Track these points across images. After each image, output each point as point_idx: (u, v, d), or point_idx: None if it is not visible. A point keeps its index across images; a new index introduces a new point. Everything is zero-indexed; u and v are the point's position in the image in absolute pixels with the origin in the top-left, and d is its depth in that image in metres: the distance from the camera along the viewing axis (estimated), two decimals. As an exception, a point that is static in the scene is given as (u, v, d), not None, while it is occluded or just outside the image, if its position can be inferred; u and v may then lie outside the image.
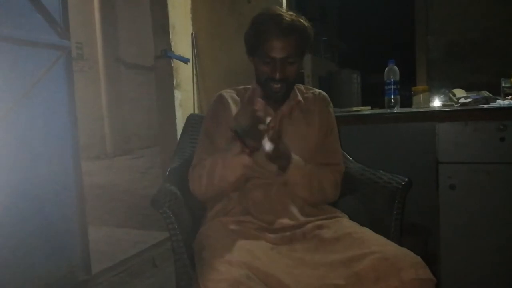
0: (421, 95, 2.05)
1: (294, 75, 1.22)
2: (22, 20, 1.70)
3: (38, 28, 1.76)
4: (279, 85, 1.21)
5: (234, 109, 1.31)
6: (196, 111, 2.88)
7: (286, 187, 1.21)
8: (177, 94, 2.74)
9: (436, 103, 2.06)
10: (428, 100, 2.05)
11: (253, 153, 1.10)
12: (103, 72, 7.03)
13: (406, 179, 1.29)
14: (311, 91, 1.38)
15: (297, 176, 1.19)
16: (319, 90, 1.39)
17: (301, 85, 1.40)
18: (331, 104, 1.37)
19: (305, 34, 1.20)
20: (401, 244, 1.05)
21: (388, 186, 1.30)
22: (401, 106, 2.00)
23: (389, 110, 1.95)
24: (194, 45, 2.89)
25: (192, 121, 1.60)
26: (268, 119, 1.05)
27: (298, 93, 1.33)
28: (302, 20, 1.20)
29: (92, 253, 2.02)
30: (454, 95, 1.91)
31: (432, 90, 2.18)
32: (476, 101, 1.77)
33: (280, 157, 1.14)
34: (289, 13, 1.20)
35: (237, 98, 1.34)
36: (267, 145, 1.06)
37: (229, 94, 1.35)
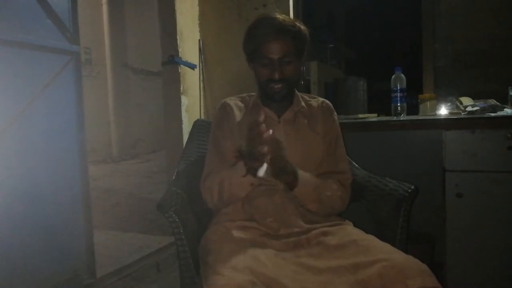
0: (428, 102, 2.04)
1: (293, 75, 1.23)
2: (33, 26, 1.73)
3: (49, 33, 1.79)
4: (279, 85, 1.22)
5: (238, 115, 1.31)
6: (203, 117, 2.89)
7: (290, 193, 1.21)
8: (184, 100, 2.75)
9: (443, 111, 2.05)
10: (435, 108, 2.05)
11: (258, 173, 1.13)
12: (111, 77, 7.09)
13: (412, 187, 1.28)
14: (315, 99, 1.39)
15: (306, 190, 1.19)
16: (323, 99, 1.39)
17: (304, 93, 1.40)
18: (335, 113, 1.38)
19: (299, 34, 1.22)
20: (406, 252, 1.04)
21: (394, 193, 1.29)
22: (408, 114, 1.99)
23: (395, 117, 1.95)
24: (201, 51, 2.91)
25: (198, 126, 1.61)
26: (268, 132, 1.01)
27: (301, 100, 1.34)
28: (296, 22, 1.22)
29: (97, 257, 2.03)
30: (461, 103, 1.90)
31: (439, 98, 2.17)
32: (483, 110, 1.77)
33: (283, 174, 1.14)
34: (283, 16, 1.22)
35: (241, 105, 1.35)
36: (261, 170, 1.04)
37: (233, 102, 1.36)
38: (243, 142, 1.09)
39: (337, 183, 1.28)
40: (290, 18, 1.24)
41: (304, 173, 1.19)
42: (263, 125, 1.00)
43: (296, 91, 1.34)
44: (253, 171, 1.09)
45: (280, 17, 1.20)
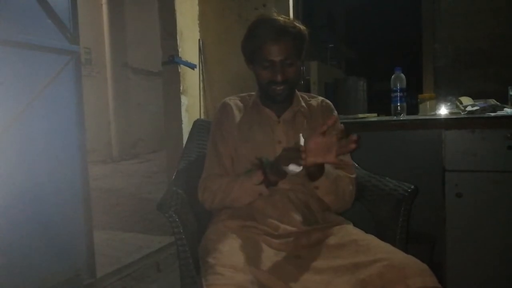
0: (428, 102, 2.04)
1: (295, 76, 1.23)
2: (33, 26, 1.73)
3: (49, 33, 1.79)
4: (281, 87, 1.22)
5: (238, 115, 1.32)
6: (203, 117, 2.89)
7: (289, 194, 1.21)
8: (184, 100, 2.76)
9: (443, 110, 2.05)
10: (435, 108, 2.05)
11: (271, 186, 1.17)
12: (111, 77, 7.10)
13: (412, 187, 1.28)
14: (315, 98, 1.39)
15: (326, 181, 1.18)
16: (322, 98, 1.39)
17: (304, 93, 1.40)
18: (335, 111, 1.38)
19: (300, 36, 1.22)
20: (406, 251, 1.04)
21: (394, 193, 1.29)
22: (408, 114, 1.99)
23: (395, 117, 1.95)
24: (201, 51, 2.91)
25: (198, 126, 1.61)
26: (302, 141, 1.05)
27: (301, 99, 1.34)
28: (296, 23, 1.22)
29: (97, 256, 2.03)
30: (461, 103, 1.90)
31: (439, 98, 2.17)
32: (483, 109, 1.77)
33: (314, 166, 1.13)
34: (283, 17, 1.22)
35: (241, 105, 1.35)
36: (293, 167, 1.06)
37: (233, 101, 1.36)
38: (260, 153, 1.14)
39: (347, 177, 1.28)
40: (290, 19, 1.24)
41: (328, 166, 1.18)
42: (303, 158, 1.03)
43: (296, 91, 1.35)
44: (268, 183, 1.14)
45: (281, 18, 1.20)
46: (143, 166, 6.35)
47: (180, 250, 1.16)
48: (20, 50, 1.67)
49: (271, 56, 1.18)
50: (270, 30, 1.18)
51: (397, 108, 1.96)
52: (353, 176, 1.30)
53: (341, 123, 1.38)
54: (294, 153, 1.06)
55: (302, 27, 1.23)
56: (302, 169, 1.06)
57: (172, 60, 2.67)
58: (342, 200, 1.25)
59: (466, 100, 1.91)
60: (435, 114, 1.98)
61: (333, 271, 0.99)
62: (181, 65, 2.72)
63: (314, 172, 1.15)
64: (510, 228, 1.58)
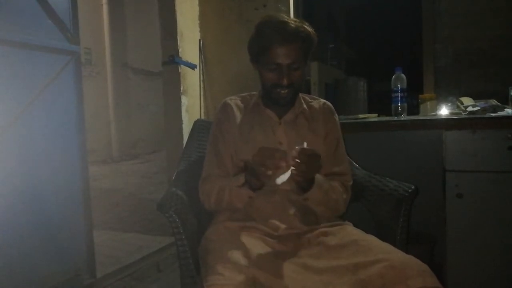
0: (428, 103, 2.04)
1: (300, 79, 1.23)
2: (34, 26, 1.73)
3: (49, 33, 1.79)
4: (286, 91, 1.21)
5: (238, 116, 1.31)
6: (203, 117, 2.89)
7: (292, 194, 1.21)
8: (184, 100, 2.76)
9: (444, 111, 2.05)
10: (435, 108, 2.05)
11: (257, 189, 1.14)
12: (111, 77, 7.08)
13: (412, 187, 1.28)
14: (316, 100, 1.39)
15: (318, 193, 1.18)
16: (324, 100, 1.39)
17: (305, 94, 1.40)
18: (336, 114, 1.38)
19: (309, 40, 1.21)
20: (407, 252, 1.04)
21: (395, 193, 1.29)
22: (408, 114, 1.99)
23: (396, 117, 1.95)
24: (201, 51, 2.91)
25: (198, 126, 1.61)
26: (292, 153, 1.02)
27: (303, 101, 1.34)
28: (306, 26, 1.20)
29: (97, 256, 2.03)
30: (462, 103, 1.90)
31: (440, 98, 2.17)
32: (484, 110, 1.77)
33: (305, 181, 1.13)
34: (292, 19, 1.21)
35: (242, 105, 1.35)
36: (280, 179, 1.03)
37: (233, 102, 1.35)
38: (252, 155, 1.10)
39: (342, 186, 1.28)
40: (300, 21, 1.21)
41: (319, 176, 1.19)
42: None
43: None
44: (252, 185, 1.12)
45: (291, 21, 1.18)
46: (143, 166, 6.34)
47: (180, 250, 1.17)
48: (20, 50, 1.67)
49: (278, 59, 1.17)
50: (280, 33, 1.16)
51: (398, 108, 1.96)
52: (350, 183, 1.31)
53: (342, 123, 1.39)
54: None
55: (311, 30, 1.21)
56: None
57: (172, 60, 2.67)
58: (334, 210, 1.26)
59: (466, 101, 1.91)
60: (436, 115, 1.98)
61: (333, 272, 0.99)
62: (181, 65, 2.72)
63: (304, 185, 1.15)
64: (511, 228, 1.58)
